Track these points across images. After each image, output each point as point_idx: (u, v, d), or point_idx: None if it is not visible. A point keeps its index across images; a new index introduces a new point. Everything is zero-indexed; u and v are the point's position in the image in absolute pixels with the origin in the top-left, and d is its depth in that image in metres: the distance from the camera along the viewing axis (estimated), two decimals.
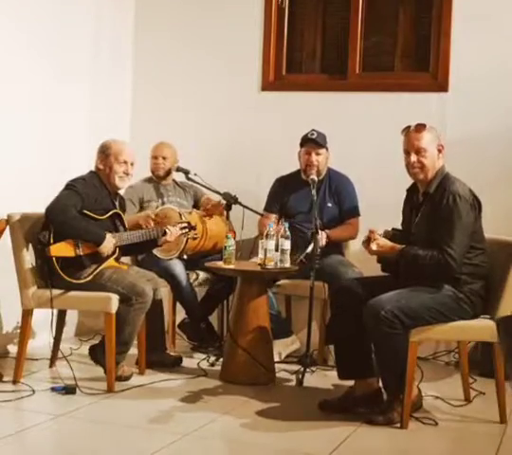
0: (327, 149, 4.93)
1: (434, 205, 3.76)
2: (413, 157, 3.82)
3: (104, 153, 4.34)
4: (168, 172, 5.21)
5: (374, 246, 3.79)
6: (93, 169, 4.39)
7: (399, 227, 4.03)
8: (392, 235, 3.93)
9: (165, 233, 4.43)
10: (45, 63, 5.02)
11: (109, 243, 4.19)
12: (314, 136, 4.86)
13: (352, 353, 3.89)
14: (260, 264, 4.37)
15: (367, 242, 3.83)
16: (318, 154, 4.88)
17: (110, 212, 4.33)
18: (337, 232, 4.87)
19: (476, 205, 3.77)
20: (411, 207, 4.00)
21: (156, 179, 5.23)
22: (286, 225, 4.42)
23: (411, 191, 4.02)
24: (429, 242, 3.72)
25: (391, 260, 3.87)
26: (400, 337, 3.65)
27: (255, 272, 4.38)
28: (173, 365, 4.62)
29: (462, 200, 3.69)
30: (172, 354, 4.79)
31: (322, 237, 4.62)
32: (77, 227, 4.13)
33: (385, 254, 3.84)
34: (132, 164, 4.37)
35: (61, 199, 4.14)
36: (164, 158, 5.19)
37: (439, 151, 3.85)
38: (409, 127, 3.87)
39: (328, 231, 4.77)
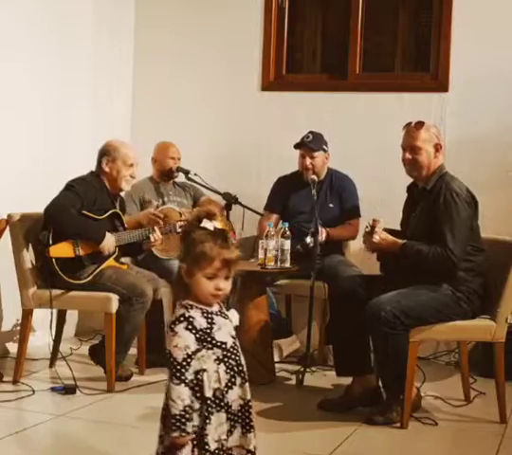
0: (325, 150, 4.92)
1: (431, 201, 3.78)
2: (407, 155, 3.87)
3: (111, 155, 4.32)
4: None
5: (376, 237, 3.78)
6: (93, 169, 4.40)
7: (393, 227, 4.03)
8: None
9: (148, 237, 4.36)
10: (46, 63, 5.02)
11: (109, 241, 4.19)
12: (308, 139, 4.87)
13: (350, 350, 3.90)
14: (260, 264, 4.37)
15: (369, 232, 3.82)
16: (312, 157, 4.88)
17: (109, 212, 4.33)
18: (337, 231, 4.87)
19: (472, 203, 3.78)
20: (410, 204, 4.01)
21: (160, 179, 5.21)
22: (286, 225, 4.42)
23: (410, 189, 4.04)
24: (427, 238, 3.73)
25: (390, 259, 3.87)
26: (400, 338, 3.65)
27: (255, 272, 4.38)
28: None
29: (459, 197, 3.72)
30: None
31: (322, 233, 4.61)
32: (76, 227, 4.13)
33: (386, 248, 3.84)
34: (136, 165, 4.39)
35: (60, 199, 4.14)
36: (179, 159, 5.20)
37: (436, 149, 3.86)
38: (410, 123, 3.91)
39: (328, 229, 4.78)
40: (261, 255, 4.38)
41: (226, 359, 2.38)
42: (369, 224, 3.86)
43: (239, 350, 2.44)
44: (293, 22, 5.65)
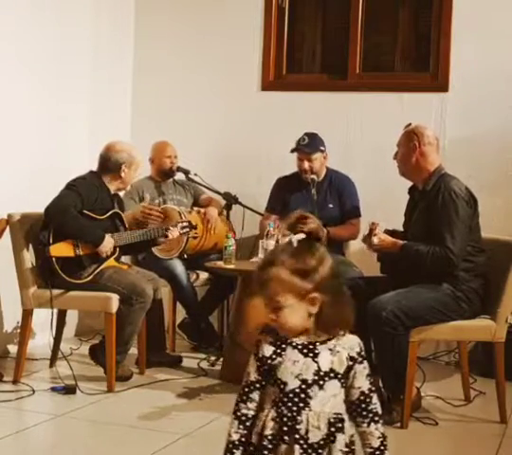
0: (322, 151, 4.91)
1: (430, 201, 3.79)
2: (394, 156, 3.98)
3: (128, 162, 4.33)
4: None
5: (375, 240, 3.79)
6: (93, 169, 4.40)
7: (394, 228, 4.03)
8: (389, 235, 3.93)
9: (166, 235, 4.40)
10: (46, 63, 5.01)
11: (108, 243, 4.19)
12: (304, 142, 4.86)
13: None
14: None
15: (368, 235, 3.83)
16: (310, 160, 4.87)
17: (110, 212, 4.33)
18: (337, 230, 4.86)
19: (472, 202, 3.79)
20: (411, 206, 4.02)
21: (160, 178, 5.21)
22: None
23: (411, 191, 4.05)
24: (427, 238, 3.74)
25: (390, 259, 3.88)
26: (401, 338, 3.65)
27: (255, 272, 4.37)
28: (172, 365, 4.62)
29: (457, 196, 3.73)
30: (171, 354, 4.80)
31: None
32: (76, 228, 4.13)
33: (386, 249, 3.84)
34: None
35: (60, 199, 4.14)
36: (175, 157, 5.20)
37: (412, 150, 3.87)
38: (410, 124, 3.94)
39: (328, 228, 4.77)
40: (261, 255, 4.38)
41: (280, 405, 1.90)
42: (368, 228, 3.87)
43: (310, 404, 1.89)
44: (293, 22, 5.65)
